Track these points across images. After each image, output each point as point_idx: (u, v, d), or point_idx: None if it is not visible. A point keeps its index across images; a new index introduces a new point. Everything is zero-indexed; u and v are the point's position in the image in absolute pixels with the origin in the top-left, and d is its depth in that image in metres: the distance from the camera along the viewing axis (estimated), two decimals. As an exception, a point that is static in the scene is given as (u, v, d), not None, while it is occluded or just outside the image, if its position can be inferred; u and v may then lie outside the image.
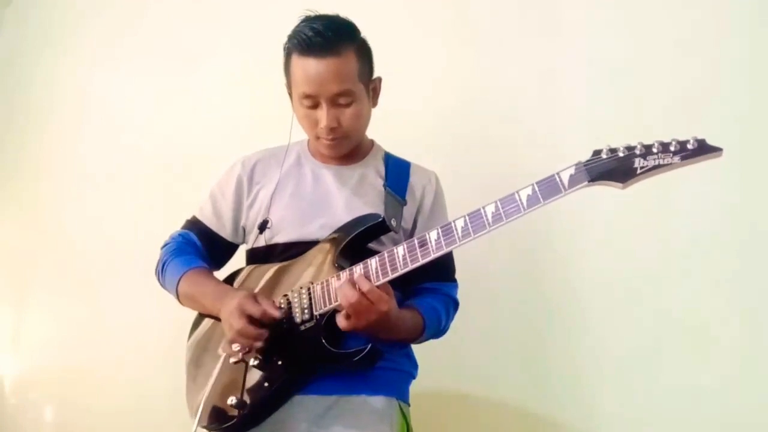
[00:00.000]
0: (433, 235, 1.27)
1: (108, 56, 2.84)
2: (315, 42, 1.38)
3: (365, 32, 1.49)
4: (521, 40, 2.13)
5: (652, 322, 1.84)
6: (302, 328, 1.37)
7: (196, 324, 1.56)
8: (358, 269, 1.33)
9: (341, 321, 1.31)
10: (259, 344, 1.33)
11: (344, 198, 1.50)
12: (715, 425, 1.74)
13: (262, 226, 1.50)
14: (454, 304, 1.53)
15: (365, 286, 1.27)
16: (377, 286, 1.29)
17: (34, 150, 2.94)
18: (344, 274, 1.35)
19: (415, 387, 1.53)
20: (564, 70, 2.06)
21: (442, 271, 1.49)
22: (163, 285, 1.59)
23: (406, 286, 1.48)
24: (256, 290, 1.46)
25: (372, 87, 1.51)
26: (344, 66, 1.41)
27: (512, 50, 2.13)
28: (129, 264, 2.51)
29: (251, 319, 1.33)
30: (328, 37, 1.39)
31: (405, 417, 1.45)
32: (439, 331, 1.49)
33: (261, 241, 1.52)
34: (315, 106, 1.43)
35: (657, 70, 1.93)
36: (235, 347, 1.35)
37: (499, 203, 1.21)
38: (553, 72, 2.07)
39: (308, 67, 1.40)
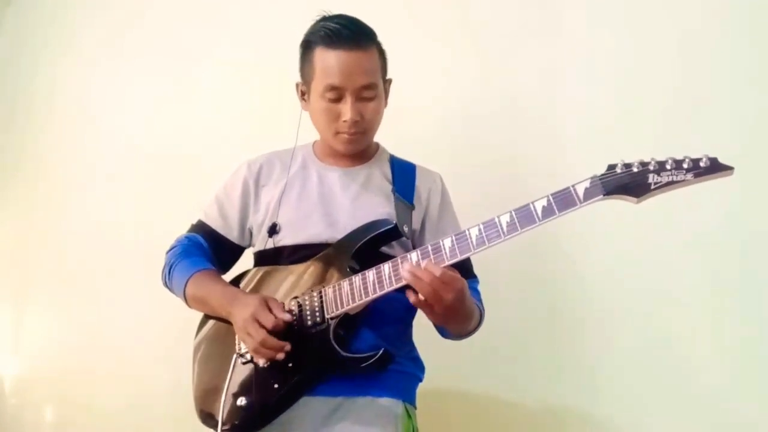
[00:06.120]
0: (447, 242, 1.27)
1: (108, 56, 2.83)
2: (344, 34, 1.41)
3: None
4: (522, 40, 2.15)
5: (657, 321, 1.87)
6: (313, 331, 1.37)
7: (202, 324, 1.56)
8: (371, 274, 1.34)
9: (412, 298, 1.24)
10: (281, 356, 1.33)
11: (350, 199, 1.51)
12: (715, 423, 1.77)
13: (272, 230, 1.50)
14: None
15: (437, 271, 1.23)
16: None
17: (34, 150, 2.91)
18: (355, 278, 1.36)
19: (422, 389, 1.54)
20: (565, 70, 2.08)
21: (465, 269, 1.49)
22: (170, 288, 1.57)
23: None
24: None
25: (386, 87, 1.54)
26: (370, 60, 1.45)
27: (513, 50, 2.16)
28: (129, 264, 2.52)
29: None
30: (356, 31, 1.43)
31: (411, 419, 1.45)
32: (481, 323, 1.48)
33: (269, 244, 1.52)
34: (338, 99, 1.44)
35: (657, 69, 1.95)
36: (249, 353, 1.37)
37: (514, 213, 1.22)
38: (553, 72, 2.09)
39: (336, 58, 1.42)
